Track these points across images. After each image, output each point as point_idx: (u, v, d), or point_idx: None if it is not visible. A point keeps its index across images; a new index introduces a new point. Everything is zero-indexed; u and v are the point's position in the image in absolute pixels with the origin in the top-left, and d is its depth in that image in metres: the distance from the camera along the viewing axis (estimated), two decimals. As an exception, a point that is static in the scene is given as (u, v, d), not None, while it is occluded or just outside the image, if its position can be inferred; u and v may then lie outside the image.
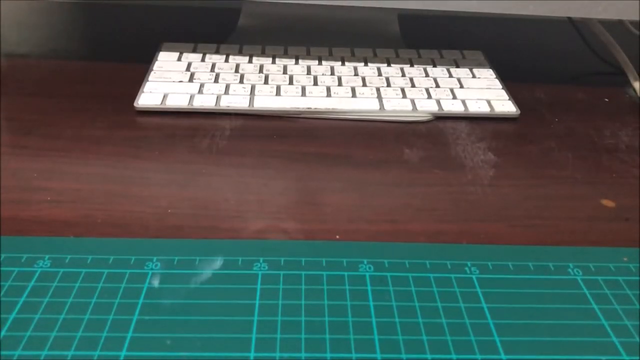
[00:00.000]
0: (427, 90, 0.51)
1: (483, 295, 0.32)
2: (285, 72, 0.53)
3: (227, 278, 0.33)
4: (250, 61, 0.55)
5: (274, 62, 0.55)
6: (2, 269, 0.33)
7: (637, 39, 0.63)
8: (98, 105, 0.49)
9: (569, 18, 0.61)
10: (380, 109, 0.49)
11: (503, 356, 0.29)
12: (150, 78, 0.52)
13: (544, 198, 0.40)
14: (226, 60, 0.55)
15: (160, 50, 0.56)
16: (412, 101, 0.50)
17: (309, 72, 0.53)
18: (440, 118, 0.49)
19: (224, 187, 0.40)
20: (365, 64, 0.55)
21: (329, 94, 0.50)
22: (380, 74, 0.53)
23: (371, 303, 0.31)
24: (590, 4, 0.48)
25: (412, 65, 0.55)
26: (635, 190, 0.42)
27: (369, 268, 0.34)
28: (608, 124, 0.50)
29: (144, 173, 0.41)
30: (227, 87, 0.51)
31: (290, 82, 0.52)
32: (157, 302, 0.31)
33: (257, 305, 0.31)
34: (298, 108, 0.48)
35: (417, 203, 0.39)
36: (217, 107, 0.48)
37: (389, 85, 0.52)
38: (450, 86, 0.52)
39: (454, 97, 0.51)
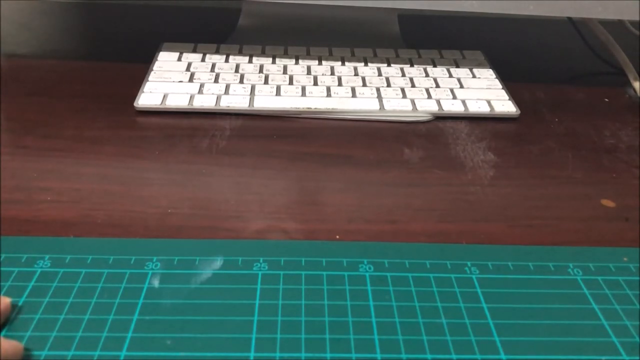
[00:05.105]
0: (427, 90, 0.51)
1: (483, 295, 0.32)
2: (285, 72, 0.53)
3: (227, 278, 0.33)
4: (250, 61, 0.55)
5: (274, 62, 0.55)
6: (2, 269, 0.33)
7: (637, 39, 0.63)
8: (98, 105, 0.49)
9: (569, 18, 0.61)
10: (380, 109, 0.49)
11: (503, 356, 0.29)
12: (150, 78, 0.51)
13: (544, 198, 0.40)
14: (226, 60, 0.55)
15: (160, 50, 0.56)
16: (412, 101, 0.50)
17: (309, 72, 0.53)
18: (440, 118, 0.49)
19: (224, 187, 0.40)
20: (365, 64, 0.55)
21: (329, 94, 0.50)
22: (380, 74, 0.53)
23: (371, 303, 0.31)
24: (590, 4, 0.48)
25: (412, 65, 0.55)
26: (635, 190, 0.42)
27: (369, 268, 0.34)
28: (608, 124, 0.50)
29: (144, 173, 0.41)
30: (227, 87, 0.51)
31: (290, 82, 0.52)
32: (157, 302, 0.31)
33: (257, 305, 0.31)
34: (298, 108, 0.48)
35: (417, 203, 0.39)
36: (217, 107, 0.48)
37: (389, 85, 0.52)
38: (450, 86, 0.52)
39: (454, 97, 0.51)
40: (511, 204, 0.40)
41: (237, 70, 0.53)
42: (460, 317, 0.31)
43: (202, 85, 0.51)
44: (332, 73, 0.53)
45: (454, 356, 0.29)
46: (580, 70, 0.60)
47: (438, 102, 0.50)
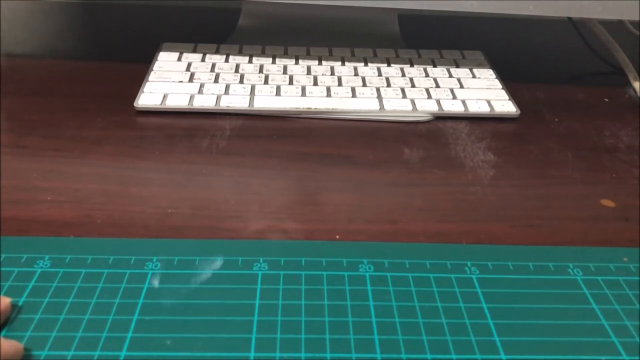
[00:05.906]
0: (427, 90, 0.51)
1: (483, 295, 0.32)
2: (285, 72, 0.53)
3: (227, 278, 0.33)
4: (250, 61, 0.55)
5: (274, 62, 0.55)
6: (2, 269, 0.33)
7: (637, 39, 0.63)
8: (98, 105, 0.49)
9: (569, 18, 0.61)
10: (380, 109, 0.49)
11: (503, 356, 0.29)
12: (150, 78, 0.51)
13: (544, 198, 0.40)
14: (226, 60, 0.55)
15: (160, 50, 0.56)
16: (412, 101, 0.50)
17: (309, 72, 0.53)
18: (440, 118, 0.49)
19: (224, 187, 0.40)
20: (365, 64, 0.55)
21: (329, 94, 0.50)
22: (380, 74, 0.53)
23: (371, 303, 0.31)
24: (590, 4, 0.48)
25: (412, 65, 0.55)
26: (635, 190, 0.42)
27: (369, 268, 0.34)
28: (608, 124, 0.50)
29: (144, 173, 0.41)
30: (227, 87, 0.51)
31: (290, 82, 0.52)
32: (157, 302, 0.31)
33: (257, 305, 0.31)
34: (298, 108, 0.48)
35: (417, 203, 0.39)
36: (217, 107, 0.48)
37: (389, 85, 0.52)
38: (450, 86, 0.52)
39: (454, 97, 0.51)
40: (511, 204, 0.40)
41: (237, 70, 0.53)
42: (460, 317, 0.31)
43: (202, 85, 0.51)
44: (332, 73, 0.53)
45: (454, 356, 0.29)
46: (580, 70, 0.60)
47: (438, 102, 0.50)
